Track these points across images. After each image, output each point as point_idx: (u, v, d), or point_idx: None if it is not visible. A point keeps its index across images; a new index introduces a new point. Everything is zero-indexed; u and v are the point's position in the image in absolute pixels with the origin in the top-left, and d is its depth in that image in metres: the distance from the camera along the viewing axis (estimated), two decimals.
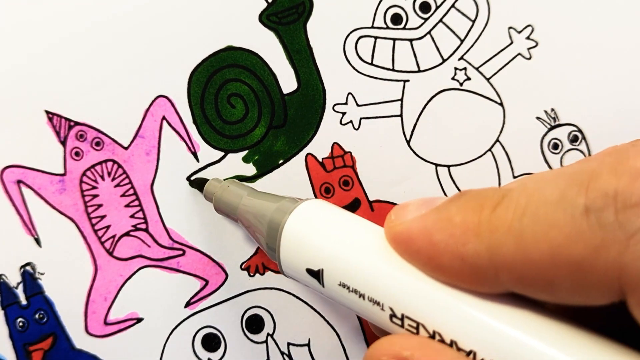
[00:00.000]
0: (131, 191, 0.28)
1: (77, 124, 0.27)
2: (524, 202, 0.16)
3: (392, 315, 0.18)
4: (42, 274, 0.27)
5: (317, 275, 0.20)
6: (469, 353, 0.16)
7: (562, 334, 0.16)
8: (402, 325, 0.18)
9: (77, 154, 0.28)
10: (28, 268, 0.27)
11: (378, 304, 0.18)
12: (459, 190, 0.28)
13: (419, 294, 0.18)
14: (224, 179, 0.27)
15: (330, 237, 0.20)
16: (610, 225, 0.14)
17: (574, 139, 0.28)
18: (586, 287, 0.15)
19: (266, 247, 0.23)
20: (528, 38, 0.27)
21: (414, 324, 0.18)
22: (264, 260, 0.28)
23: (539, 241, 0.15)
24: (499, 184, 0.28)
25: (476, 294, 0.17)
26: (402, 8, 0.27)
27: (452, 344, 0.17)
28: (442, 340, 0.17)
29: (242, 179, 0.28)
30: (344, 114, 0.28)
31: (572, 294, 0.15)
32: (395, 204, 0.28)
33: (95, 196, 0.28)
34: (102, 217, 0.28)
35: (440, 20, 0.27)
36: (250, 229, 0.24)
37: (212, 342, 0.28)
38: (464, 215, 0.17)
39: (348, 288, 0.19)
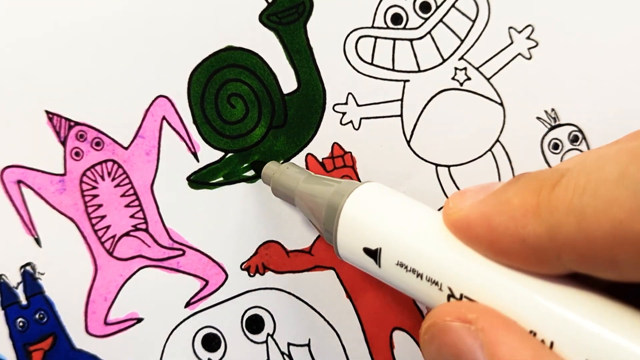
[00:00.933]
0: (131, 191, 0.28)
1: (77, 124, 0.27)
2: (584, 180, 0.15)
3: (451, 296, 0.18)
4: (42, 274, 0.27)
5: (374, 254, 0.20)
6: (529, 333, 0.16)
7: (623, 317, 0.16)
8: None
9: (77, 154, 0.28)
10: (28, 268, 0.27)
11: (436, 283, 0.18)
12: (459, 190, 0.28)
13: (478, 274, 0.18)
14: (281, 162, 0.27)
15: (389, 217, 0.20)
16: None
17: (574, 139, 0.28)
18: None
19: (324, 229, 0.23)
20: (528, 38, 0.27)
21: None
22: (264, 261, 0.28)
23: (600, 219, 0.15)
24: None
25: (537, 275, 0.17)
26: (402, 8, 0.27)
27: None
28: None
29: (242, 179, 0.28)
30: (344, 114, 0.28)
31: (636, 271, 0.15)
32: None
33: (95, 196, 0.28)
34: (102, 217, 0.28)
35: (441, 20, 0.27)
36: (307, 212, 0.24)
37: (212, 342, 0.28)
38: (522, 197, 0.17)
39: (406, 267, 0.19)
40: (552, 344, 0.16)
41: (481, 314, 0.17)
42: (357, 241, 0.21)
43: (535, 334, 0.16)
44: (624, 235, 0.14)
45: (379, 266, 0.20)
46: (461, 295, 0.18)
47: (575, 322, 0.16)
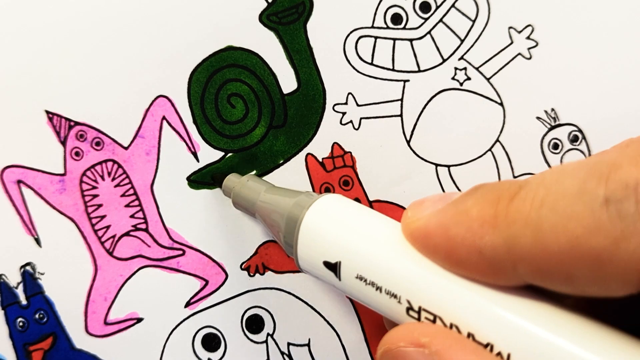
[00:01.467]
0: (131, 191, 0.28)
1: (77, 124, 0.27)
2: (542, 193, 0.15)
3: (409, 309, 0.18)
4: (42, 273, 0.27)
5: (334, 268, 0.20)
6: (486, 345, 0.16)
7: (578, 327, 0.16)
8: (418, 319, 0.18)
9: (77, 154, 0.28)
10: (28, 268, 0.27)
11: (395, 296, 0.18)
12: (459, 190, 0.28)
13: (436, 287, 0.18)
14: (244, 175, 0.27)
15: (348, 230, 0.20)
16: (630, 216, 0.14)
17: (574, 139, 0.28)
18: (605, 279, 0.15)
19: (283, 242, 0.23)
20: (528, 38, 0.27)
21: (431, 317, 0.18)
22: (264, 260, 0.28)
23: (558, 233, 0.15)
24: None
25: (494, 286, 0.17)
26: (402, 8, 0.27)
27: (470, 336, 0.17)
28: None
29: None
30: (344, 113, 0.28)
31: (591, 286, 0.15)
32: (395, 204, 0.28)
33: (95, 196, 0.28)
34: (102, 217, 0.28)
35: (441, 20, 0.27)
36: (268, 224, 0.24)
37: (212, 342, 0.28)
38: (480, 208, 0.17)
39: (365, 281, 0.19)
40: (509, 356, 0.16)
41: (434, 336, 0.17)
42: (317, 255, 0.21)
43: (492, 347, 0.16)
44: (580, 251, 0.15)
45: (339, 279, 0.20)
46: (419, 308, 0.18)
47: (531, 333, 0.16)
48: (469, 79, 0.28)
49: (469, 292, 0.17)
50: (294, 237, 0.22)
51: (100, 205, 0.28)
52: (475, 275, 0.17)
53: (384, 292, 0.19)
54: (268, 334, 0.28)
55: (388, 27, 0.28)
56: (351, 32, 0.27)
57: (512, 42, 0.27)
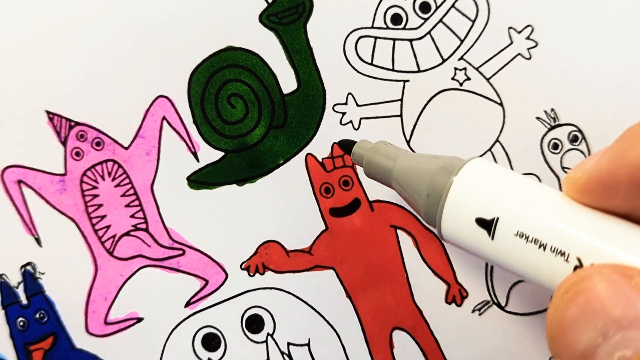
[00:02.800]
0: (131, 191, 0.28)
1: (77, 124, 0.28)
2: None
3: (578, 267, 0.17)
4: (42, 273, 0.28)
5: (488, 226, 0.19)
6: None
7: None
8: None
9: (77, 154, 0.28)
10: (28, 268, 0.27)
11: (562, 254, 0.17)
12: None
13: (613, 241, 0.16)
14: (376, 142, 0.25)
15: (507, 187, 0.19)
16: None
17: (574, 139, 0.28)
18: None
19: (425, 206, 0.21)
20: (528, 38, 0.27)
21: None
22: (263, 260, 0.28)
23: None
24: None
25: None
26: (402, 8, 0.27)
27: None
28: None
29: (242, 178, 0.28)
30: (343, 114, 0.28)
31: None
32: (395, 204, 0.28)
33: (95, 196, 0.28)
34: (103, 217, 0.28)
35: (440, 21, 0.27)
36: (404, 191, 0.22)
37: (212, 341, 0.28)
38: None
39: (527, 238, 0.18)
40: None
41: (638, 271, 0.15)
42: (469, 212, 0.19)
43: None
44: None
45: (492, 238, 0.19)
46: (592, 265, 0.16)
47: None
48: (468, 79, 0.28)
49: None
50: (442, 197, 0.20)
51: (100, 205, 0.28)
52: None
53: (548, 249, 0.17)
54: (268, 334, 0.28)
55: (388, 28, 0.28)
56: (351, 32, 0.28)
57: (511, 42, 0.27)
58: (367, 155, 0.24)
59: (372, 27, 0.28)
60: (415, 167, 0.22)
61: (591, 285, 0.15)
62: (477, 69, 0.28)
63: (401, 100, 0.28)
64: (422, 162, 0.22)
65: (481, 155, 0.28)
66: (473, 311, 0.28)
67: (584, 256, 0.17)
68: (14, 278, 0.28)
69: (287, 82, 0.28)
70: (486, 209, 0.19)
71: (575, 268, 0.17)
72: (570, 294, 0.16)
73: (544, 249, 0.17)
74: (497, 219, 0.18)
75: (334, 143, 0.28)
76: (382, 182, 0.24)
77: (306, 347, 0.28)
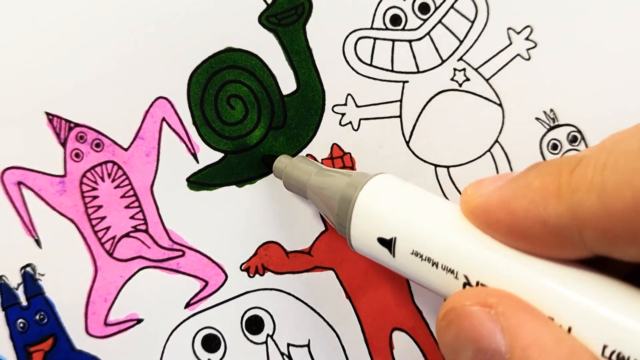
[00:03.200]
0: (131, 192, 0.28)
1: (77, 125, 0.28)
2: (604, 157, 0.16)
3: (466, 284, 0.18)
4: (42, 275, 0.28)
5: (388, 244, 0.20)
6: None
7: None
8: None
9: (77, 155, 0.28)
10: (28, 269, 0.28)
11: (452, 272, 0.18)
12: (458, 191, 0.28)
13: (495, 261, 0.18)
14: (294, 157, 0.27)
15: (404, 206, 0.20)
16: None
17: (573, 140, 0.28)
18: None
19: (336, 221, 0.23)
20: (527, 39, 0.27)
21: None
22: (263, 261, 0.28)
23: (622, 190, 0.15)
24: None
25: (556, 260, 0.17)
26: (401, 9, 0.28)
27: None
28: None
29: (242, 179, 0.28)
30: (343, 114, 0.28)
31: None
32: None
33: (95, 197, 0.28)
34: (102, 218, 0.28)
35: (440, 21, 0.27)
36: (319, 205, 0.24)
37: (212, 342, 0.28)
38: (542, 179, 0.17)
39: (421, 256, 0.19)
40: (569, 330, 0.16)
41: (501, 298, 0.17)
42: (371, 231, 0.21)
43: (552, 320, 0.16)
44: None
45: (393, 256, 0.20)
46: (477, 283, 0.18)
47: (593, 308, 0.16)
48: (468, 79, 0.28)
49: (529, 266, 0.17)
50: (348, 214, 0.22)
51: (100, 207, 0.28)
52: (538, 248, 0.17)
53: (440, 267, 0.19)
54: (268, 335, 0.28)
55: (387, 29, 0.28)
56: (350, 33, 0.28)
57: (511, 43, 0.27)
58: (285, 170, 0.26)
59: (372, 28, 0.28)
60: (327, 182, 0.24)
61: (458, 316, 0.17)
62: (476, 69, 0.28)
63: (400, 100, 0.28)
64: (333, 178, 0.23)
65: (480, 156, 0.28)
66: None
67: (470, 275, 0.18)
68: (14, 279, 0.28)
69: (287, 83, 0.28)
70: (385, 229, 0.20)
71: (465, 285, 0.18)
72: (445, 322, 0.18)
73: (436, 266, 0.19)
74: (395, 238, 0.20)
75: (334, 144, 0.28)
76: (300, 194, 0.25)
77: (306, 348, 0.28)
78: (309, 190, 0.25)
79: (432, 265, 0.19)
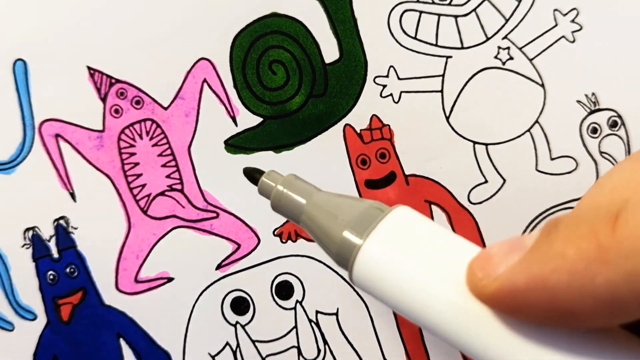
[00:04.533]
0: (168, 151, 0.28)
1: (118, 81, 0.28)
2: None
3: None
4: (75, 228, 0.28)
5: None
6: None
7: None
8: None
9: (116, 111, 0.28)
10: (62, 222, 0.28)
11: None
12: (496, 169, 0.28)
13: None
14: (284, 176, 0.22)
15: (404, 287, 0.17)
16: None
17: (613, 124, 0.28)
18: None
19: (335, 262, 0.20)
20: (572, 21, 0.27)
21: None
22: (296, 228, 0.28)
23: None
24: (536, 164, 0.28)
25: (586, 331, 0.15)
26: None
27: None
28: None
29: (279, 145, 0.28)
30: (384, 86, 0.28)
31: None
32: (430, 179, 0.28)
33: (132, 154, 0.28)
34: (138, 175, 0.28)
35: None
36: (314, 235, 0.20)
37: (241, 305, 0.28)
38: (576, 245, 0.14)
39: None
40: None
41: None
42: (374, 292, 0.18)
43: None
44: None
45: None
46: None
47: None
48: (511, 58, 0.28)
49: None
50: (349, 268, 0.19)
51: (136, 164, 0.28)
52: (584, 323, 0.15)
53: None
54: (297, 301, 0.28)
55: (433, 3, 0.28)
56: (396, 5, 0.27)
57: (556, 25, 0.27)
58: (276, 188, 0.21)
59: (418, 1, 0.28)
60: (327, 212, 0.20)
61: None
62: (520, 49, 0.28)
63: (443, 76, 0.28)
64: (334, 209, 0.20)
65: (520, 136, 0.28)
66: None
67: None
68: (47, 231, 0.28)
69: (330, 51, 0.28)
70: (387, 301, 0.18)
71: None
72: None
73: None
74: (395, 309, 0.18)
75: (373, 115, 0.28)
76: (289, 217, 0.21)
77: (334, 317, 0.28)
78: (305, 218, 0.20)
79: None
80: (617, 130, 0.28)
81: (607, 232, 0.14)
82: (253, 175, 0.22)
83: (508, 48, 0.28)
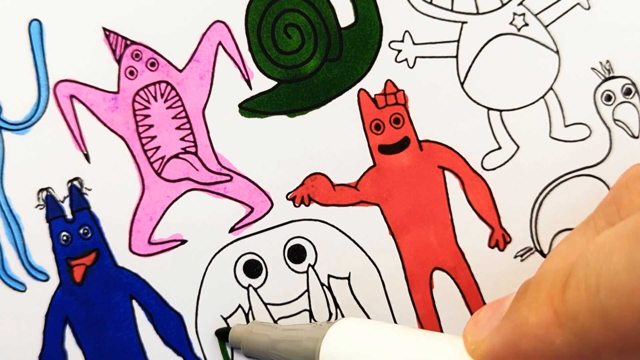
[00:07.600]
0: (183, 114, 0.28)
1: (133, 43, 0.27)
2: (594, 277, 0.15)
3: None
4: (89, 189, 0.28)
5: None
6: None
7: None
8: None
9: (131, 72, 0.28)
10: (76, 183, 0.28)
11: None
12: (509, 135, 0.28)
13: None
14: (247, 324, 0.27)
15: None
16: None
17: (627, 92, 0.28)
18: None
19: None
20: None
21: None
22: (309, 192, 0.28)
23: (626, 313, 0.14)
24: (550, 131, 0.28)
25: None
26: None
27: None
28: None
29: (294, 109, 0.28)
30: (399, 51, 0.28)
31: None
32: (444, 144, 0.28)
33: (146, 116, 0.28)
34: (153, 137, 0.28)
35: None
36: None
37: (254, 268, 0.28)
38: (537, 312, 0.16)
39: None
40: None
41: None
42: None
43: None
44: None
45: None
46: None
47: None
48: (526, 25, 0.28)
49: None
50: None
51: (151, 126, 0.28)
52: None
53: None
54: (309, 265, 0.28)
55: None
56: None
57: None
58: (243, 335, 0.26)
59: None
60: (289, 341, 0.24)
61: None
62: (535, 15, 0.28)
63: (458, 41, 0.28)
64: (290, 337, 0.24)
65: (534, 102, 0.28)
66: (515, 257, 0.28)
67: None
68: (61, 192, 0.28)
69: (345, 15, 0.28)
70: None
71: None
72: None
73: None
74: None
75: (388, 80, 0.28)
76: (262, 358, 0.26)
77: (346, 281, 0.28)
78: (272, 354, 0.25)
79: None
80: (631, 98, 0.28)
81: (559, 297, 0.16)
82: (223, 333, 0.27)
83: (523, 14, 0.28)
